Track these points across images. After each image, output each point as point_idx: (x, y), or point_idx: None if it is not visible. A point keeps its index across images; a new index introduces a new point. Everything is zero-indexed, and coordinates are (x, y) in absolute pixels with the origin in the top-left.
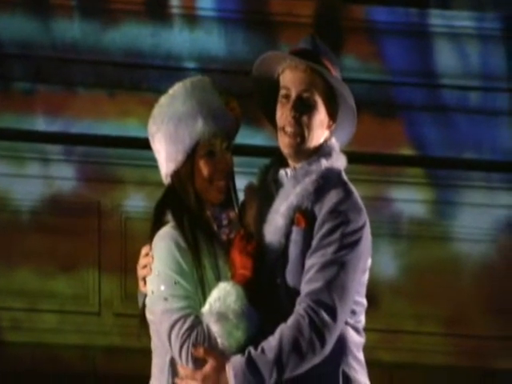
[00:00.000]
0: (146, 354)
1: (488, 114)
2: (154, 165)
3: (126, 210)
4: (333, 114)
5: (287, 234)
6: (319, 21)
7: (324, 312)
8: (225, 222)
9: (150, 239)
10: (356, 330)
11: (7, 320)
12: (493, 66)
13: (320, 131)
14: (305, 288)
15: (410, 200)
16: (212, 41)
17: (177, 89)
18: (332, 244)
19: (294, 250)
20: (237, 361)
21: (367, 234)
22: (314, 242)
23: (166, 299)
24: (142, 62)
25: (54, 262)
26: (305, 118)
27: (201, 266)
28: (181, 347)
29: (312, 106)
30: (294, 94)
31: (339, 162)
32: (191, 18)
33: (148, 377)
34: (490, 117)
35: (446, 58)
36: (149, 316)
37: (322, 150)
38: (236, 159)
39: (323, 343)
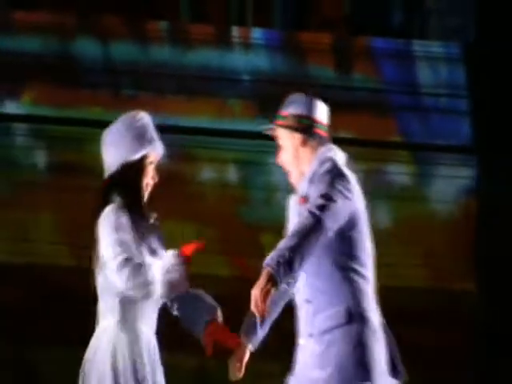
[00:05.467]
0: None
1: (453, 113)
2: (221, 147)
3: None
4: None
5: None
6: (336, 47)
7: (317, 208)
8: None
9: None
10: (363, 276)
11: None
12: (456, 80)
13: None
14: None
15: (399, 173)
16: (260, 60)
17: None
18: (323, 184)
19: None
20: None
21: (347, 194)
22: (313, 190)
23: None
24: (211, 75)
25: None
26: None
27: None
28: None
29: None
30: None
31: (338, 155)
32: (246, 45)
33: None
34: (454, 115)
35: (424, 73)
36: None
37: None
38: None
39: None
